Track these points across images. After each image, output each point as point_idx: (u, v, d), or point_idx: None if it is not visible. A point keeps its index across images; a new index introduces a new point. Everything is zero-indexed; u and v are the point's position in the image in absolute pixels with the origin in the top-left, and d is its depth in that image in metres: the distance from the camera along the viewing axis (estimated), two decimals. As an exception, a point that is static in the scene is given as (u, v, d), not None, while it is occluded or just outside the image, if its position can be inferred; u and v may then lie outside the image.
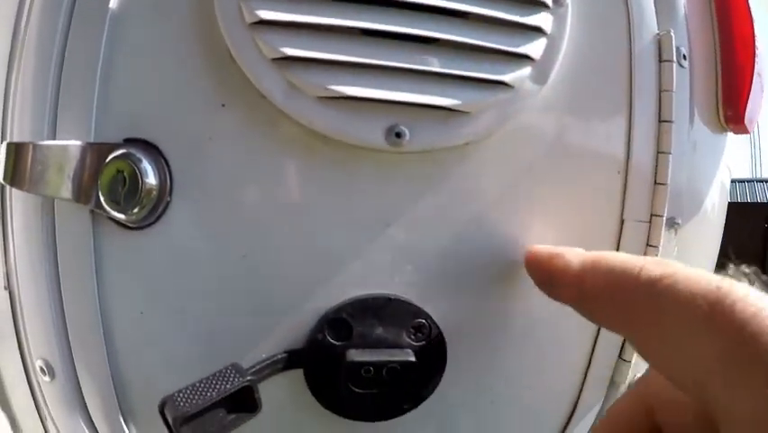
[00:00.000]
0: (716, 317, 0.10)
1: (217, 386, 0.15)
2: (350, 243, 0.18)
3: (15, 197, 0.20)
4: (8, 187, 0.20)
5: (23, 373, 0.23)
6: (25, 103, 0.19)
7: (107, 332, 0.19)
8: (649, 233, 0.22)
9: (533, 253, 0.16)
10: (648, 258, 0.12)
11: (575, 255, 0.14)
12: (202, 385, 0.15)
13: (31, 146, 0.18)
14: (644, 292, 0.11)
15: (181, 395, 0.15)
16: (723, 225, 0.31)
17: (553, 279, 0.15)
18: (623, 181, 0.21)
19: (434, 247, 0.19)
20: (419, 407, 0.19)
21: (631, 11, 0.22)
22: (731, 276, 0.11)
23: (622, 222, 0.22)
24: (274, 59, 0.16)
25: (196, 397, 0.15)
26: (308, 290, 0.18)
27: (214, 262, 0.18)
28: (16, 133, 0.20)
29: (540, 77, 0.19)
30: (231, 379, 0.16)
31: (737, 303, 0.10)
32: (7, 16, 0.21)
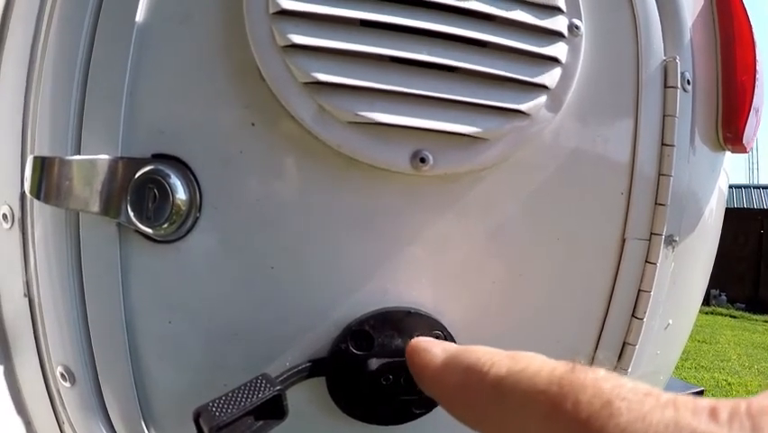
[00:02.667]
0: (557, 416, 0.09)
1: (249, 396, 0.16)
2: (373, 259, 0.19)
3: (37, 206, 0.21)
4: (29, 196, 0.20)
5: (41, 378, 0.23)
6: (46, 115, 0.19)
7: (131, 340, 0.20)
8: (648, 250, 0.23)
9: (409, 345, 0.16)
10: (505, 353, 0.12)
11: (441, 351, 0.14)
12: (235, 395, 0.16)
13: (57, 160, 0.18)
14: (490, 392, 0.11)
15: (216, 405, 0.16)
16: (719, 235, 0.33)
17: (418, 374, 0.15)
18: (626, 202, 0.23)
19: (451, 263, 0.20)
20: (431, 412, 0.20)
21: (640, 38, 0.23)
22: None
23: (623, 240, 0.23)
24: (305, 83, 0.17)
25: (230, 407, 0.16)
26: (332, 303, 0.19)
27: (242, 275, 0.19)
28: (37, 147, 0.20)
29: (554, 105, 0.20)
30: (262, 388, 0.16)
31: (580, 399, 0.09)
32: (24, 27, 0.21)
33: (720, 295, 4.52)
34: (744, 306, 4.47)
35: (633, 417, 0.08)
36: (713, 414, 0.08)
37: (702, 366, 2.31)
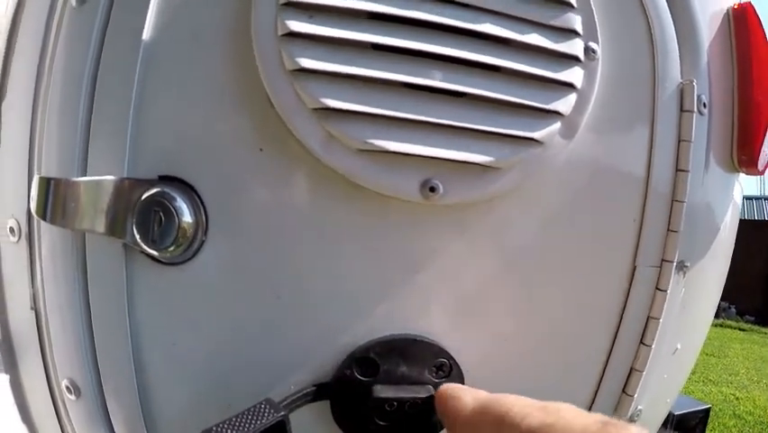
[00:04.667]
0: None
1: (253, 421, 0.16)
2: (379, 287, 0.19)
3: (44, 222, 0.21)
4: (36, 211, 0.20)
5: (47, 389, 0.23)
6: (53, 135, 0.19)
7: (137, 357, 0.20)
8: (659, 277, 0.23)
9: (439, 391, 0.16)
10: (537, 405, 0.12)
11: (471, 399, 0.14)
12: (239, 420, 0.16)
13: (63, 182, 0.18)
14: None
15: (220, 430, 0.16)
16: (731, 253, 0.32)
17: (448, 421, 0.15)
18: (638, 229, 0.22)
19: (460, 292, 0.20)
20: None
21: (657, 61, 0.22)
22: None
23: (634, 267, 0.22)
24: (314, 109, 0.17)
25: (234, 431, 0.16)
26: (338, 330, 0.19)
27: (248, 300, 0.19)
28: (44, 166, 0.20)
29: (568, 132, 0.19)
30: (265, 414, 0.16)
31: None
32: (31, 47, 0.21)
33: (730, 308, 4.44)
34: (753, 319, 4.39)
35: None
36: None
37: (710, 380, 2.27)
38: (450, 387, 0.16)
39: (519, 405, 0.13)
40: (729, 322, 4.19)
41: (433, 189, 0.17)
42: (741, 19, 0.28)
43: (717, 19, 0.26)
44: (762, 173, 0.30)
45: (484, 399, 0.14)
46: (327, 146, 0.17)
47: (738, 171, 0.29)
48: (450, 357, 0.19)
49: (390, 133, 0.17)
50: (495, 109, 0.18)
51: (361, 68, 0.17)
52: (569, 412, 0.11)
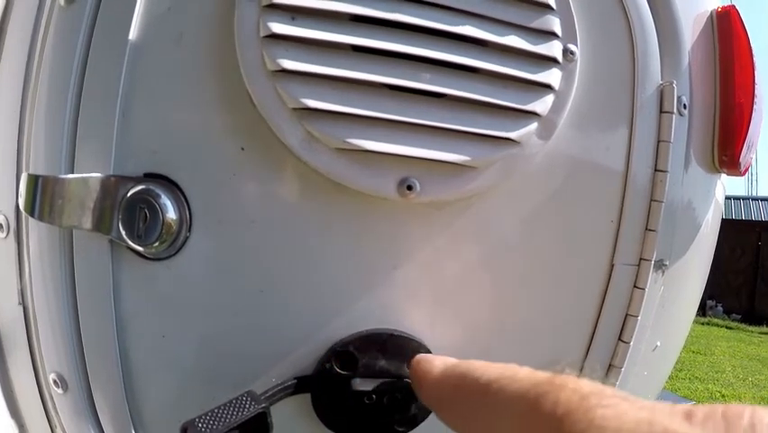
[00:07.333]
0: (535, 416, 0.10)
1: (235, 412, 0.16)
2: (359, 282, 0.19)
3: (32, 219, 0.21)
4: (24, 208, 0.21)
5: (35, 384, 0.24)
6: (41, 134, 0.20)
7: (122, 350, 0.20)
8: (637, 276, 0.23)
9: (413, 359, 0.17)
10: (499, 364, 0.13)
11: (440, 362, 0.15)
12: (221, 411, 0.16)
13: (51, 179, 0.19)
14: (480, 394, 0.12)
15: (202, 421, 0.16)
16: (713, 253, 0.32)
17: (417, 383, 0.16)
18: (616, 228, 0.23)
19: (437, 288, 0.20)
20: (413, 430, 0.21)
21: (637, 62, 0.22)
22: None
23: (612, 266, 0.23)
24: (294, 109, 0.17)
25: (216, 423, 0.16)
26: (318, 324, 0.19)
27: (231, 295, 0.19)
28: (32, 164, 0.20)
29: (545, 132, 0.20)
30: (247, 406, 0.17)
31: (559, 398, 0.10)
32: (19, 45, 0.21)
33: (716, 306, 4.49)
34: (740, 317, 4.44)
35: (608, 414, 0.09)
36: (688, 416, 0.08)
37: (696, 377, 2.30)
38: (423, 354, 0.17)
39: (483, 364, 0.13)
40: (716, 320, 4.23)
41: (410, 188, 0.18)
42: (725, 21, 0.28)
43: (700, 21, 0.27)
44: (743, 174, 0.31)
45: (452, 361, 0.15)
46: (307, 145, 0.17)
47: (719, 172, 0.29)
48: (428, 352, 0.20)
49: (369, 133, 0.17)
50: (473, 110, 0.18)
51: (341, 69, 0.17)
52: (526, 368, 0.12)
